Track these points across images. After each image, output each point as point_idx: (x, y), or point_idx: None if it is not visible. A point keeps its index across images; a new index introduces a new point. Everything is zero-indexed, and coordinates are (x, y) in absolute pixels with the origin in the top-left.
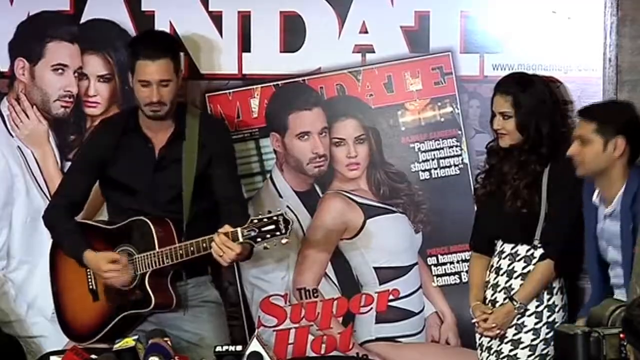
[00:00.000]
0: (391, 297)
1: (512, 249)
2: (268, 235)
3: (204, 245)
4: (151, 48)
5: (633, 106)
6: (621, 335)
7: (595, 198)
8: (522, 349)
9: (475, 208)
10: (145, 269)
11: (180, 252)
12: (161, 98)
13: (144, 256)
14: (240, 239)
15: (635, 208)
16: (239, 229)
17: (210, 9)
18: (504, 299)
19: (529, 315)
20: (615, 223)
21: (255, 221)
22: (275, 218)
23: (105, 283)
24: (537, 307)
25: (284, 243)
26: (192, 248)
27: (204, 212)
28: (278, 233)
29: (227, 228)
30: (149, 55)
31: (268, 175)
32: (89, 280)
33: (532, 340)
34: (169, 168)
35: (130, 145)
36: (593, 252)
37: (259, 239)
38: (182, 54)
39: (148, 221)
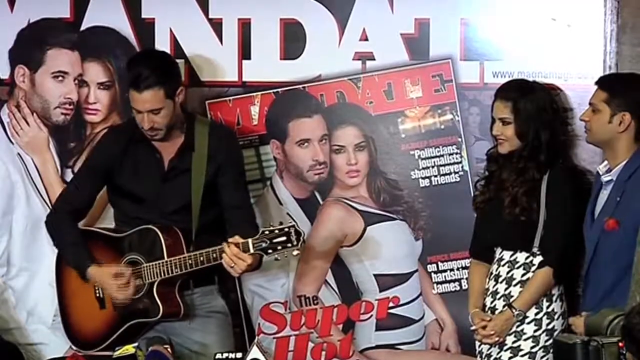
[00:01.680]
0: (391, 304)
1: (511, 256)
2: (279, 247)
3: (214, 255)
4: (138, 79)
5: None
6: (620, 344)
7: (601, 167)
8: (522, 356)
9: (475, 215)
10: (154, 278)
11: (190, 262)
12: (153, 125)
13: (152, 265)
14: (251, 250)
15: (629, 183)
16: (249, 240)
17: (210, 16)
18: (503, 306)
19: (529, 323)
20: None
21: (267, 232)
22: (286, 230)
23: (110, 296)
24: (536, 314)
25: (295, 255)
26: (201, 258)
27: (212, 222)
28: (289, 245)
29: (237, 239)
30: (136, 86)
31: (268, 183)
32: (96, 288)
33: (532, 348)
34: (177, 178)
35: (138, 155)
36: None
37: (269, 250)
38: (182, 60)
39: (157, 230)
